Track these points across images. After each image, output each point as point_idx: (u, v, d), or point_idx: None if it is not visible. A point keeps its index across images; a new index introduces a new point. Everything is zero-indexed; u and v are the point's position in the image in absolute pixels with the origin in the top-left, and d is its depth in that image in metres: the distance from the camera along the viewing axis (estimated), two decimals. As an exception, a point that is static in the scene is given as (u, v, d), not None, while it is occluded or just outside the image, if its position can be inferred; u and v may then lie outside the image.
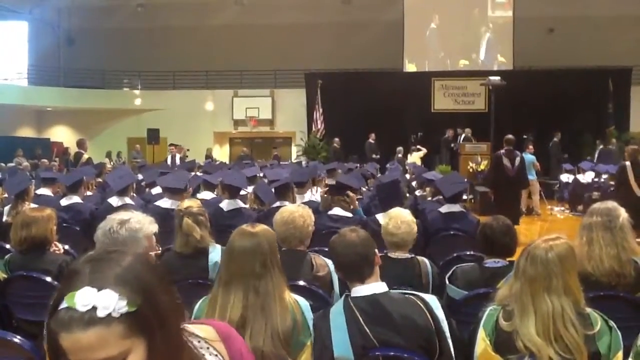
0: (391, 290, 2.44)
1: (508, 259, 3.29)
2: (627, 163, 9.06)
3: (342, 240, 2.50)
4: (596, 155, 15.89)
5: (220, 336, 1.38)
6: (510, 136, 9.64)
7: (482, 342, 2.26)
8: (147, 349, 1.09)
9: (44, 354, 2.38)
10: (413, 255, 3.50)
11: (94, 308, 1.03)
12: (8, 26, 23.95)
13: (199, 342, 1.31)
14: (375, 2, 20.17)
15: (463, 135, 16.42)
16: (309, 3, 20.74)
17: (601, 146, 16.43)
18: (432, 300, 2.41)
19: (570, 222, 12.30)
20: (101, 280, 1.07)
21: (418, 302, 2.37)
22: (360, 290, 2.40)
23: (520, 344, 2.16)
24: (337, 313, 2.35)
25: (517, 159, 9.44)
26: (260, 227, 2.52)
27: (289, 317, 2.28)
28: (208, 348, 1.33)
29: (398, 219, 3.45)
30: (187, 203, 3.56)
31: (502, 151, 9.41)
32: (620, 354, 2.16)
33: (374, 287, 2.40)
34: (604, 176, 12.58)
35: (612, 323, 2.21)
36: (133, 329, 1.06)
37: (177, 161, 13.49)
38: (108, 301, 1.04)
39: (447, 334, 2.32)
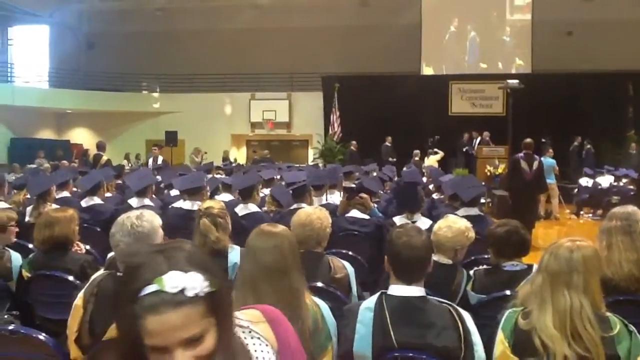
0: (428, 296, 2.41)
1: (526, 261, 3.28)
2: (648, 167, 8.97)
3: (406, 241, 2.42)
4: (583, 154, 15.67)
5: (266, 318, 1.41)
6: (529, 140, 9.56)
7: (500, 344, 2.27)
8: (217, 329, 1.17)
9: (67, 352, 2.44)
10: (455, 264, 3.49)
11: (183, 289, 1.11)
12: (30, 30, 24.32)
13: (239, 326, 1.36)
14: (393, 5, 20.16)
15: (479, 139, 16.35)
16: (326, 6, 20.79)
17: (588, 146, 16.25)
18: (466, 314, 2.38)
19: (589, 226, 12.19)
20: (181, 264, 1.14)
21: (453, 312, 2.35)
22: (399, 290, 2.38)
23: (537, 340, 2.16)
24: (367, 308, 2.34)
25: (536, 163, 9.36)
26: (281, 227, 2.52)
27: (310, 319, 2.28)
28: (250, 332, 1.35)
29: (445, 223, 3.47)
30: (209, 204, 3.58)
31: (521, 155, 9.34)
32: None
33: (414, 290, 2.38)
34: (624, 180, 12.47)
35: (632, 327, 2.21)
36: (210, 308, 1.15)
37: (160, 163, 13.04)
38: (196, 282, 1.12)
39: (477, 348, 2.29)
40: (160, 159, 13.97)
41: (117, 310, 1.14)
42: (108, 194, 6.95)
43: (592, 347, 2.11)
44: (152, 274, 1.12)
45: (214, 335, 1.16)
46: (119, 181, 8.67)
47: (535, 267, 3.14)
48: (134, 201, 5.73)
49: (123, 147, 20.88)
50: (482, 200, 9.37)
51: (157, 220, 2.53)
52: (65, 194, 6.48)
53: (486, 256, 4.09)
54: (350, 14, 20.86)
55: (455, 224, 3.46)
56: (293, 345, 1.39)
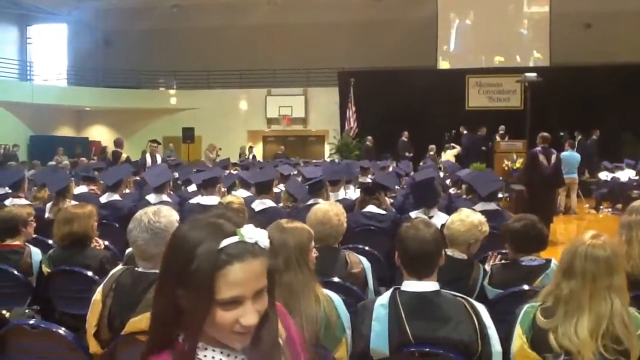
0: (442, 290, 2.38)
1: (544, 255, 3.25)
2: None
3: (414, 234, 2.40)
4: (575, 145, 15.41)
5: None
6: (546, 134, 9.46)
7: (518, 339, 2.25)
8: (268, 289, 1.25)
9: (87, 346, 2.47)
10: (469, 257, 3.46)
11: (257, 241, 1.21)
12: (48, 28, 24.61)
13: None
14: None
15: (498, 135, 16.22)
16: (341, 0, 20.73)
17: (580, 137, 16.03)
18: (481, 307, 2.35)
19: (608, 221, 12.05)
20: (245, 223, 1.24)
21: (467, 305, 2.32)
22: (412, 285, 2.36)
23: (554, 342, 2.13)
24: (381, 305, 2.33)
25: (553, 157, 9.28)
26: (294, 224, 2.52)
27: (319, 313, 2.28)
28: None
29: (457, 217, 3.44)
30: (230, 199, 3.62)
31: (538, 149, 9.25)
32: None
33: (427, 285, 2.35)
34: (645, 174, 12.31)
35: None
36: (266, 266, 1.23)
37: (158, 160, 12.68)
38: (264, 236, 1.23)
39: (494, 342, 2.26)
40: (158, 157, 13.58)
41: (192, 265, 1.17)
42: (126, 191, 7.03)
43: (631, 346, 2.07)
44: (233, 227, 1.21)
45: (266, 294, 1.24)
46: (137, 178, 8.75)
47: (554, 262, 3.12)
48: (151, 197, 5.78)
49: (140, 144, 21.01)
50: (500, 195, 9.29)
51: (175, 216, 2.55)
52: (84, 189, 6.56)
53: (503, 251, 4.08)
54: (366, 9, 20.79)
55: (468, 218, 3.43)
56: (297, 338, 1.43)
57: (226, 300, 1.16)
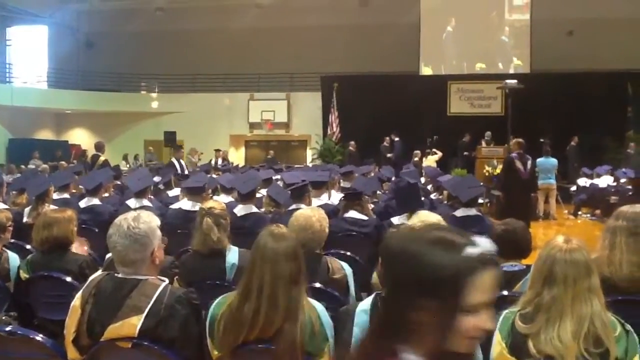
0: None
1: (524, 262, 3.28)
2: (646, 167, 8.99)
3: None
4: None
5: None
6: (520, 139, 9.63)
7: (497, 345, 2.27)
8: None
9: (65, 352, 2.44)
10: None
11: (493, 251, 1.25)
12: (28, 30, 24.32)
13: None
14: (392, 5, 20.17)
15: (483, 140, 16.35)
16: (326, 6, 20.79)
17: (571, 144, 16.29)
18: None
19: (587, 226, 12.21)
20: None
21: None
22: None
23: (533, 348, 2.16)
24: (362, 311, 2.34)
25: (529, 162, 9.45)
26: (287, 231, 2.53)
27: (307, 322, 2.30)
28: None
29: (417, 220, 3.44)
30: (212, 204, 3.60)
31: (514, 154, 9.38)
32: (637, 358, 2.17)
33: None
34: (622, 180, 12.47)
35: (628, 327, 2.22)
36: None
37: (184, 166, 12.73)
38: (494, 247, 1.26)
39: None
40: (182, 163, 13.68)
41: (442, 274, 1.19)
42: (106, 195, 6.96)
43: (611, 346, 2.11)
44: (463, 238, 1.24)
45: None
46: (118, 182, 8.67)
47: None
48: (132, 202, 5.73)
49: (122, 147, 20.90)
50: (481, 201, 9.38)
51: (156, 221, 2.54)
52: (66, 195, 6.48)
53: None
54: (350, 14, 20.88)
55: (428, 218, 3.44)
56: None
57: (475, 306, 1.21)
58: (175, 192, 7.37)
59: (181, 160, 13.10)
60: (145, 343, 2.31)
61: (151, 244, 2.45)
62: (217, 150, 18.51)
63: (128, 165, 18.82)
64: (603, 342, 2.12)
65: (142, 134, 22.39)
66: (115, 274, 2.47)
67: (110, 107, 22.05)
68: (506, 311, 2.34)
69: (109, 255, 3.32)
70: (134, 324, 2.31)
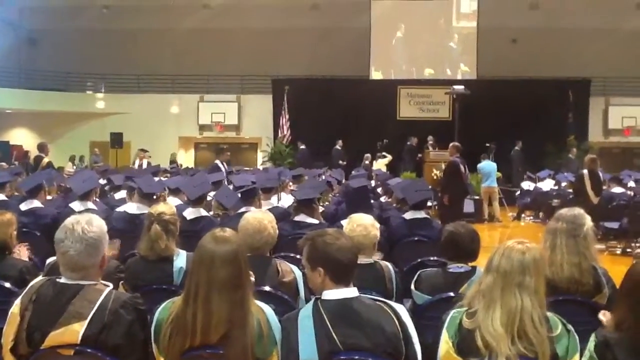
0: (362, 295, 2.43)
1: (470, 263, 3.35)
2: (585, 172, 9.35)
3: (339, 245, 2.40)
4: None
5: None
6: (457, 144, 9.93)
7: (444, 344, 2.32)
8: None
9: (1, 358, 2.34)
10: (375, 260, 3.53)
11: None
12: (-33, 25, 23.34)
13: None
14: (344, 10, 20.29)
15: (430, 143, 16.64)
16: (278, 9, 20.74)
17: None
18: (400, 307, 2.42)
19: (531, 228, 12.57)
20: None
21: (387, 308, 2.38)
22: (332, 294, 2.37)
23: (479, 341, 2.21)
24: (305, 316, 2.34)
25: (466, 166, 9.81)
26: (233, 233, 2.48)
27: (255, 326, 2.28)
28: None
29: (355, 223, 3.46)
30: (162, 208, 3.51)
31: (458, 159, 9.63)
32: (577, 357, 2.24)
33: (347, 291, 2.39)
34: (563, 184, 12.91)
35: (570, 327, 2.29)
36: None
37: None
38: None
39: (415, 340, 2.34)
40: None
41: None
42: (49, 197, 6.74)
43: (540, 346, 2.18)
44: None
45: None
46: (62, 184, 8.41)
47: (479, 269, 3.22)
48: (76, 205, 5.56)
49: (66, 148, 20.30)
50: (429, 204, 9.58)
51: (104, 226, 2.48)
52: (2, 197, 6.25)
53: (432, 258, 4.18)
54: (301, 17, 20.89)
55: (362, 220, 3.47)
56: None
57: None
58: (121, 194, 7.22)
59: (224, 163, 13.26)
60: (89, 350, 2.24)
61: (103, 248, 2.41)
62: (142, 150, 17.33)
63: (74, 167, 18.30)
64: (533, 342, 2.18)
65: (88, 135, 21.79)
66: (57, 279, 2.39)
67: (55, 107, 21.34)
68: (454, 311, 2.40)
69: (50, 259, 3.22)
70: (77, 330, 2.24)
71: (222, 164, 13.04)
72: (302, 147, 17.96)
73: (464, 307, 2.38)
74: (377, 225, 3.55)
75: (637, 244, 8.52)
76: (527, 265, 2.28)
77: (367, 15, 20.12)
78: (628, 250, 9.10)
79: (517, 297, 2.24)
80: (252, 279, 2.48)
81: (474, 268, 3.30)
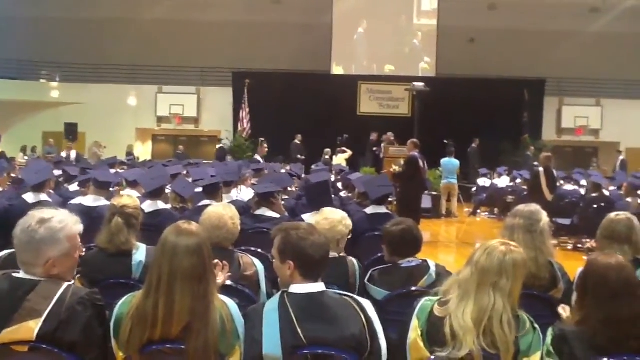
0: (328, 290, 2.44)
1: (419, 256, 3.40)
2: (541, 169, 9.59)
3: (312, 240, 2.40)
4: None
5: None
6: (416, 140, 10.08)
7: (413, 332, 2.35)
8: None
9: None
10: (343, 255, 3.54)
11: None
12: None
13: None
14: (306, 4, 20.25)
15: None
16: (240, 1, 20.57)
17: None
18: (367, 303, 2.44)
19: (486, 224, 12.85)
20: None
21: (353, 303, 2.39)
22: (299, 288, 2.38)
23: (447, 329, 2.25)
24: (271, 309, 2.33)
25: (425, 162, 9.97)
26: (197, 226, 2.46)
27: (218, 321, 2.26)
28: None
29: (323, 216, 3.49)
30: (125, 201, 3.44)
31: (417, 154, 9.75)
32: (538, 354, 2.29)
33: (314, 286, 2.39)
34: (518, 181, 13.22)
35: (537, 325, 2.34)
36: None
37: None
38: None
39: (381, 335, 2.36)
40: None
41: None
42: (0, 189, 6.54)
43: (503, 346, 2.21)
44: None
45: None
46: (14, 175, 8.17)
47: (431, 262, 3.34)
48: (29, 196, 5.39)
49: (18, 139, 19.70)
50: (390, 199, 9.68)
51: (69, 230, 2.36)
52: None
53: (380, 254, 4.22)
54: (264, 11, 20.75)
55: (330, 215, 3.51)
56: None
57: None
58: (75, 186, 7.05)
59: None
60: (44, 346, 2.18)
61: (47, 252, 2.27)
62: (69, 139, 16.61)
63: (26, 158, 17.76)
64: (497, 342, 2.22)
65: (41, 125, 21.17)
66: (13, 274, 2.31)
67: (6, 96, 20.61)
68: (425, 299, 2.43)
69: (3, 253, 3.12)
70: (32, 327, 2.16)
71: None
72: (296, 141, 17.72)
73: (438, 296, 2.42)
74: (349, 222, 3.56)
75: (587, 240, 8.79)
76: (505, 268, 2.30)
77: (329, 10, 20.13)
78: (579, 245, 9.38)
79: (490, 296, 2.27)
80: (219, 274, 2.45)
81: (424, 261, 3.36)
